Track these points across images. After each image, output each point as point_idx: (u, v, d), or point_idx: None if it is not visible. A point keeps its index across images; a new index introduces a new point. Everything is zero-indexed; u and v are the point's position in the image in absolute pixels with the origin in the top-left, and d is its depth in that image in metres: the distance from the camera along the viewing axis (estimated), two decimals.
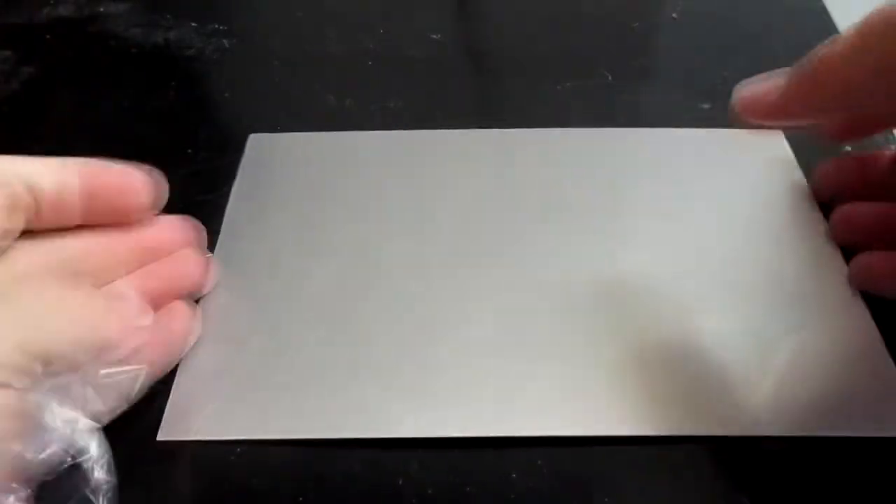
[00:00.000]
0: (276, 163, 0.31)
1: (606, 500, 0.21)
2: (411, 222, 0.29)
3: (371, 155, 0.31)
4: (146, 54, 0.37)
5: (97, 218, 0.23)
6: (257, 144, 0.32)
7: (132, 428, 0.23)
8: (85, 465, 0.20)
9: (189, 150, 0.32)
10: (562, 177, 0.30)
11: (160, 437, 0.23)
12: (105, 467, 0.20)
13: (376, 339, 0.25)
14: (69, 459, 0.19)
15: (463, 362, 0.24)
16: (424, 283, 0.26)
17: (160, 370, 0.23)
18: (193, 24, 0.39)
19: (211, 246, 0.27)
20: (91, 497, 0.19)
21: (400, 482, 0.22)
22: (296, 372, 0.24)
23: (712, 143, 0.31)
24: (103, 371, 0.21)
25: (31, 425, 0.18)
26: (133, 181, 0.23)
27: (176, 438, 0.23)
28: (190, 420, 0.23)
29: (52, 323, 0.19)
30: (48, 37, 0.38)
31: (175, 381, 0.24)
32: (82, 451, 0.20)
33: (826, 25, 0.35)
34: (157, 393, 0.23)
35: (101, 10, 0.40)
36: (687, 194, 0.29)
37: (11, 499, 0.19)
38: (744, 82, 0.25)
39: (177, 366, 0.24)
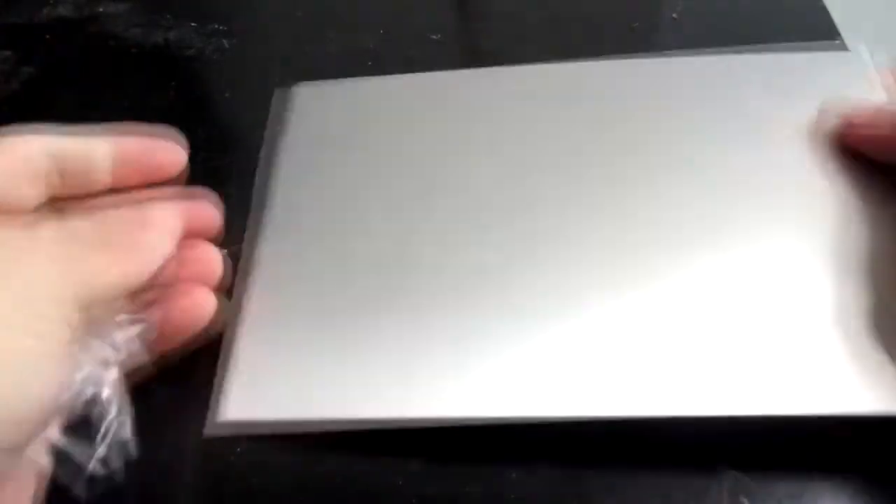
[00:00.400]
0: (319, 115, 0.30)
1: (606, 500, 0.21)
2: (466, 174, 0.27)
3: (416, 100, 0.30)
4: (146, 54, 0.37)
5: (128, 180, 0.24)
6: (296, 97, 0.31)
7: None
8: (101, 402, 0.20)
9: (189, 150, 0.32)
10: (634, 110, 0.28)
11: (207, 432, 0.22)
12: (117, 408, 0.20)
13: (431, 317, 0.23)
14: (89, 392, 0.20)
15: (527, 337, 0.23)
16: (486, 252, 0.25)
17: (161, 343, 0.23)
18: (193, 24, 0.39)
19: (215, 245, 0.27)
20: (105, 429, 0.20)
21: (400, 482, 0.22)
22: (351, 353, 0.23)
23: (781, 67, 0.29)
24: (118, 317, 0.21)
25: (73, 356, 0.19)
26: (162, 140, 0.24)
27: (223, 434, 0.22)
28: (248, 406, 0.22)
29: (94, 260, 0.20)
30: (48, 37, 0.38)
31: (226, 369, 0.23)
32: (100, 385, 0.20)
33: (826, 25, 0.35)
34: (163, 388, 0.23)
35: (101, 10, 0.40)
36: (760, 123, 0.27)
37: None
38: (845, 103, 0.23)
39: (218, 358, 0.24)
